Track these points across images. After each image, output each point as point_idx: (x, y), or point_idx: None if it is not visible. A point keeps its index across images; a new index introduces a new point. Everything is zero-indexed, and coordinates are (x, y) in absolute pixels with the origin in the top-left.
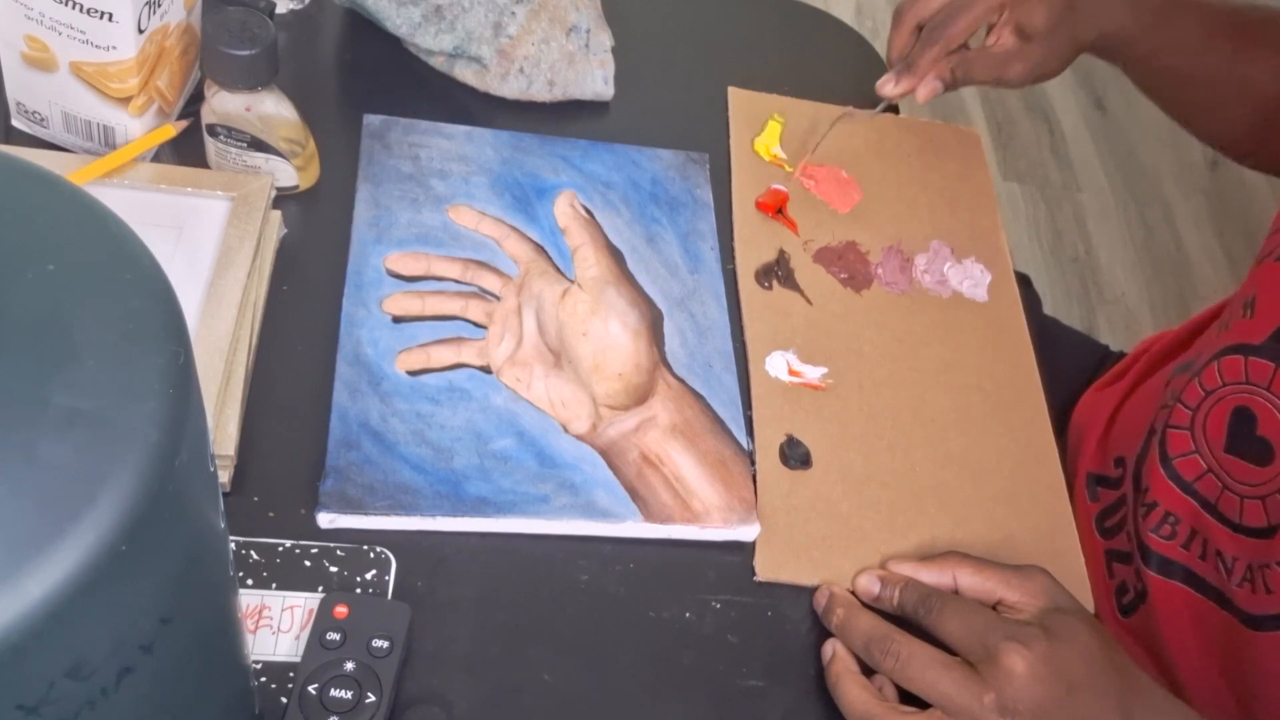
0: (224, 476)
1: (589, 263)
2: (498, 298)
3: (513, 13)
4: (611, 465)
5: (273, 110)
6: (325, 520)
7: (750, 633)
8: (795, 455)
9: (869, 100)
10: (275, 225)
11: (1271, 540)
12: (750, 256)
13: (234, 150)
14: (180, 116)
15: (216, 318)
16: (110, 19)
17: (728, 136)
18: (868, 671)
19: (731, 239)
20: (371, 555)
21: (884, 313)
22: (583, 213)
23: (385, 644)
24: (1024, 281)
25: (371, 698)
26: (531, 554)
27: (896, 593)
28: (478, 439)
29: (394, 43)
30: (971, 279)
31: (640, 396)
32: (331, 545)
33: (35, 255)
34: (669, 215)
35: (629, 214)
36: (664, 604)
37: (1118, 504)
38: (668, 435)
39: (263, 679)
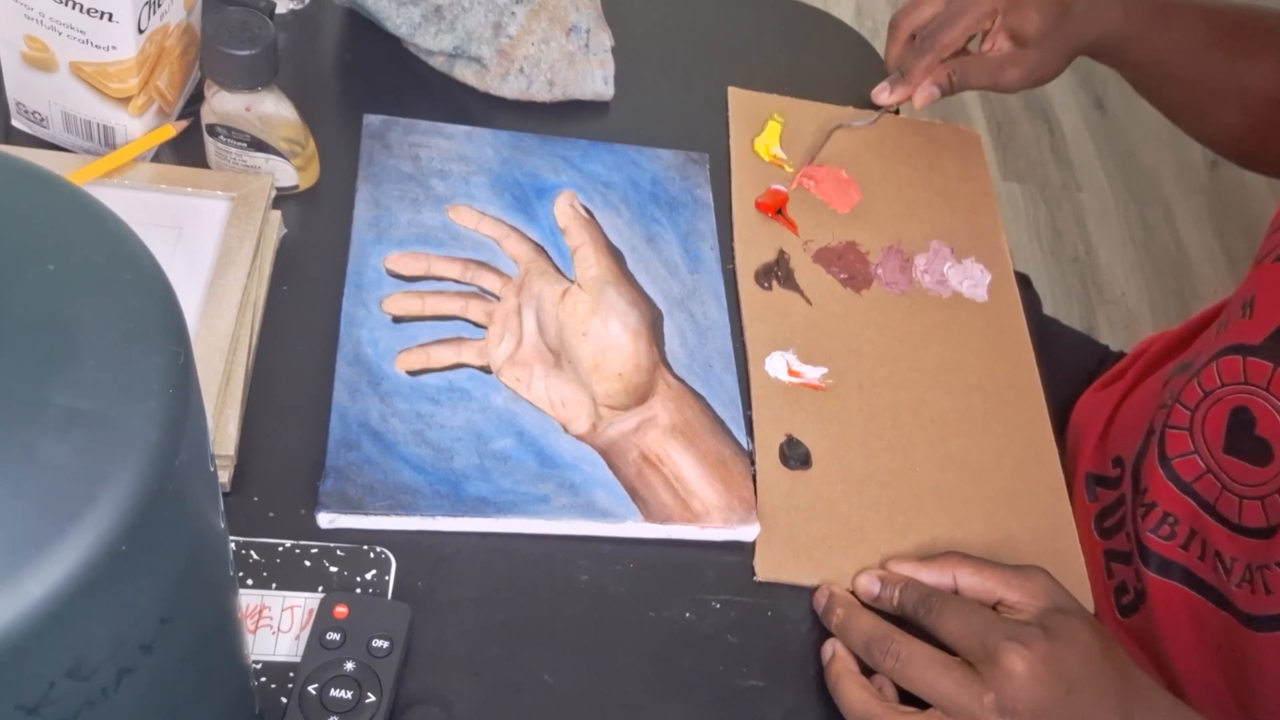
0: (224, 476)
1: (589, 263)
2: (498, 298)
3: (513, 13)
4: (611, 465)
5: (273, 110)
6: (325, 520)
7: (750, 633)
8: (795, 455)
9: (869, 101)
10: (275, 225)
11: (1271, 540)
12: (750, 256)
13: (234, 150)
14: (180, 116)
15: (216, 318)
16: (110, 19)
17: (728, 136)
18: (868, 671)
19: (731, 239)
20: (371, 555)
21: (884, 313)
22: (583, 213)
23: (385, 644)
24: (1024, 281)
25: (371, 698)
26: (531, 554)
27: (896, 593)
28: (478, 439)
29: (394, 43)
30: (971, 279)
31: (640, 396)
32: (331, 545)
33: (35, 255)
34: (669, 215)
35: (629, 214)
36: (664, 604)
37: (1116, 504)
38: (668, 435)
39: (263, 679)
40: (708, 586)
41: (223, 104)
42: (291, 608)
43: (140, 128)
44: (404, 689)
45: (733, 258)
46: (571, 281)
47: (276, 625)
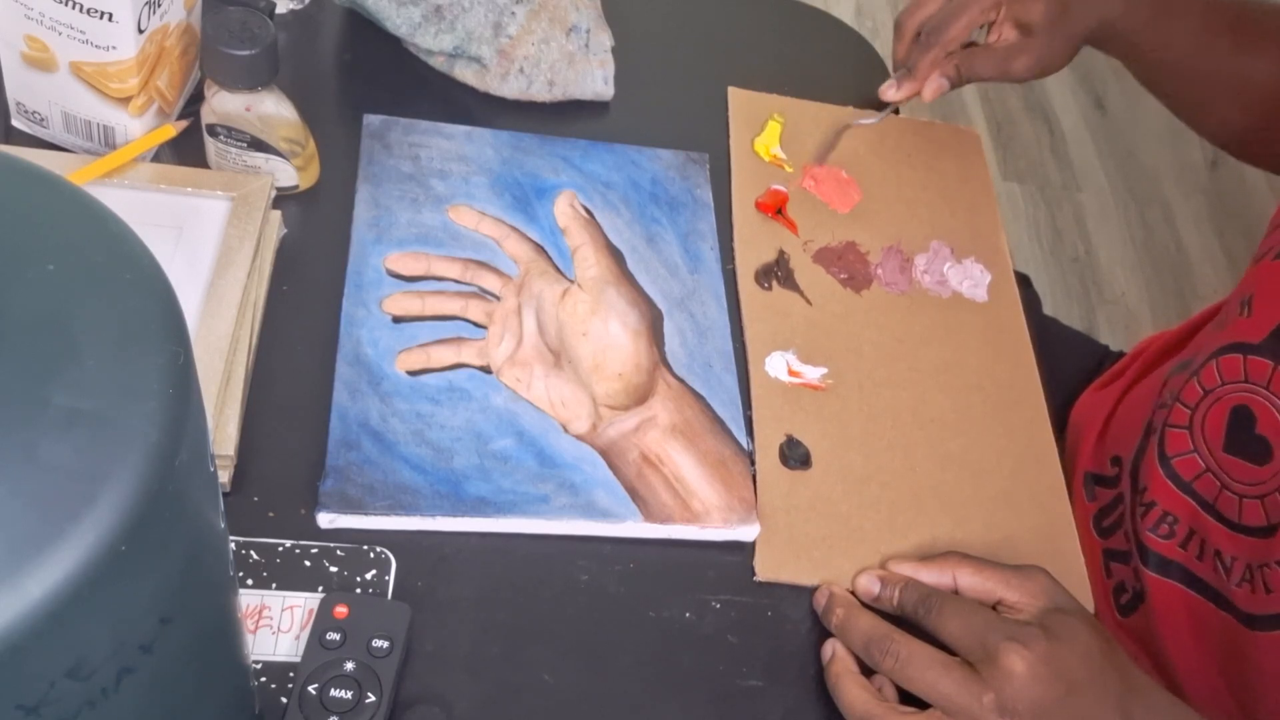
0: (224, 476)
1: (589, 263)
2: (498, 298)
3: (513, 13)
4: (611, 465)
5: (273, 110)
6: (325, 520)
7: (750, 633)
8: (795, 455)
9: (869, 100)
10: (275, 225)
11: (1271, 540)
12: (750, 257)
13: (234, 150)
14: (180, 116)
15: (216, 318)
16: (110, 19)
17: (728, 136)
18: (867, 671)
19: (731, 239)
20: (371, 555)
21: (884, 313)
22: (583, 213)
23: (385, 644)
24: (1024, 281)
25: (371, 698)
26: (531, 554)
27: (896, 593)
28: (478, 439)
29: (394, 43)
30: (971, 279)
31: (640, 396)
32: (331, 545)
33: (35, 255)
34: (669, 215)
35: (629, 214)
36: (664, 604)
37: (1115, 503)
38: (668, 435)
39: (263, 679)
40: (708, 586)
41: (223, 104)
42: (291, 608)
43: (140, 128)
44: (404, 689)
45: (733, 258)
46: (571, 281)
47: (276, 625)
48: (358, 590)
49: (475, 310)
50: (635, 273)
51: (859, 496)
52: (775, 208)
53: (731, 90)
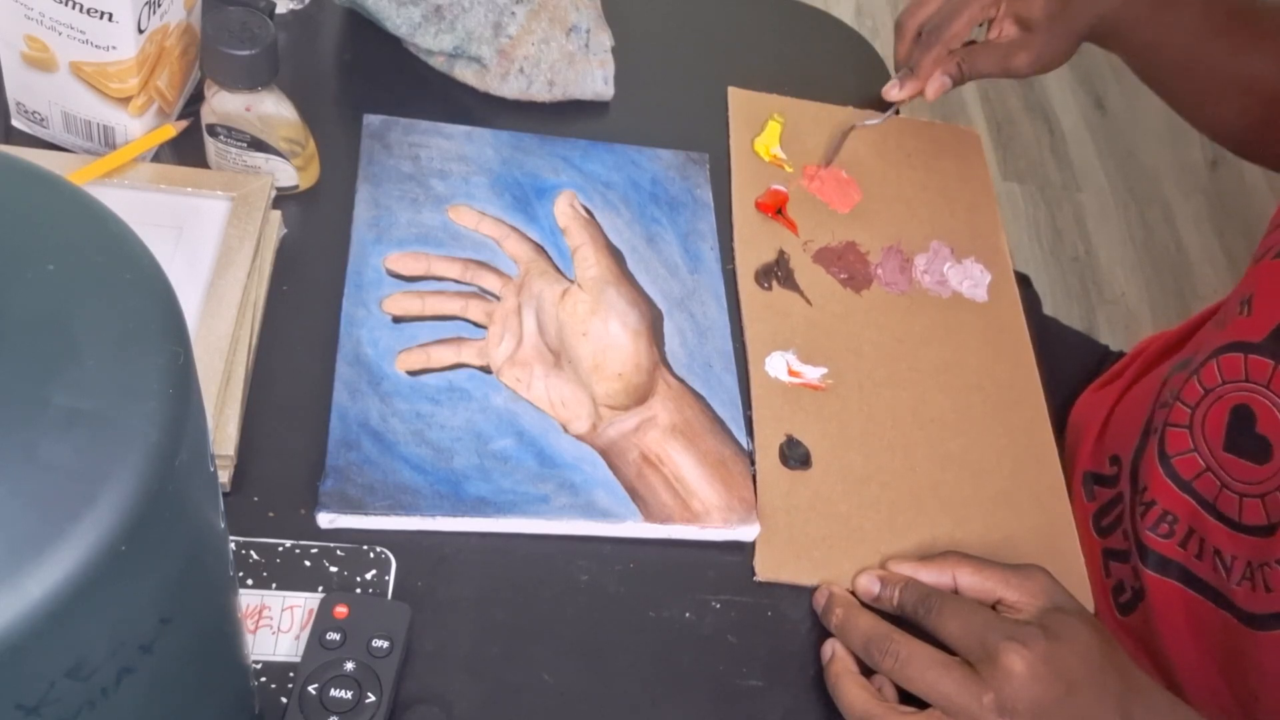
0: (224, 476)
1: (589, 263)
2: (498, 298)
3: (513, 13)
4: (611, 465)
5: (273, 110)
6: (325, 520)
7: (750, 633)
8: (795, 455)
9: (870, 100)
10: (275, 225)
11: (1271, 539)
12: (750, 257)
13: (234, 150)
14: (180, 116)
15: (216, 318)
16: (110, 19)
17: (728, 136)
18: (867, 671)
19: (731, 239)
20: (371, 555)
21: (884, 313)
22: (583, 213)
23: (385, 644)
24: (1024, 281)
25: (371, 698)
26: (531, 554)
27: (896, 593)
28: (478, 439)
29: (394, 43)
30: (971, 279)
31: (640, 396)
32: (331, 545)
33: (35, 255)
34: (669, 215)
35: (629, 214)
36: (664, 604)
37: (1114, 502)
38: (668, 435)
39: (263, 679)
40: (708, 586)
41: (223, 104)
42: (291, 608)
43: (140, 128)
44: (404, 689)
45: (733, 258)
46: (571, 281)
47: (276, 625)
48: (358, 590)
49: (475, 310)
50: (635, 273)
51: (859, 496)
52: (775, 208)
53: (731, 90)
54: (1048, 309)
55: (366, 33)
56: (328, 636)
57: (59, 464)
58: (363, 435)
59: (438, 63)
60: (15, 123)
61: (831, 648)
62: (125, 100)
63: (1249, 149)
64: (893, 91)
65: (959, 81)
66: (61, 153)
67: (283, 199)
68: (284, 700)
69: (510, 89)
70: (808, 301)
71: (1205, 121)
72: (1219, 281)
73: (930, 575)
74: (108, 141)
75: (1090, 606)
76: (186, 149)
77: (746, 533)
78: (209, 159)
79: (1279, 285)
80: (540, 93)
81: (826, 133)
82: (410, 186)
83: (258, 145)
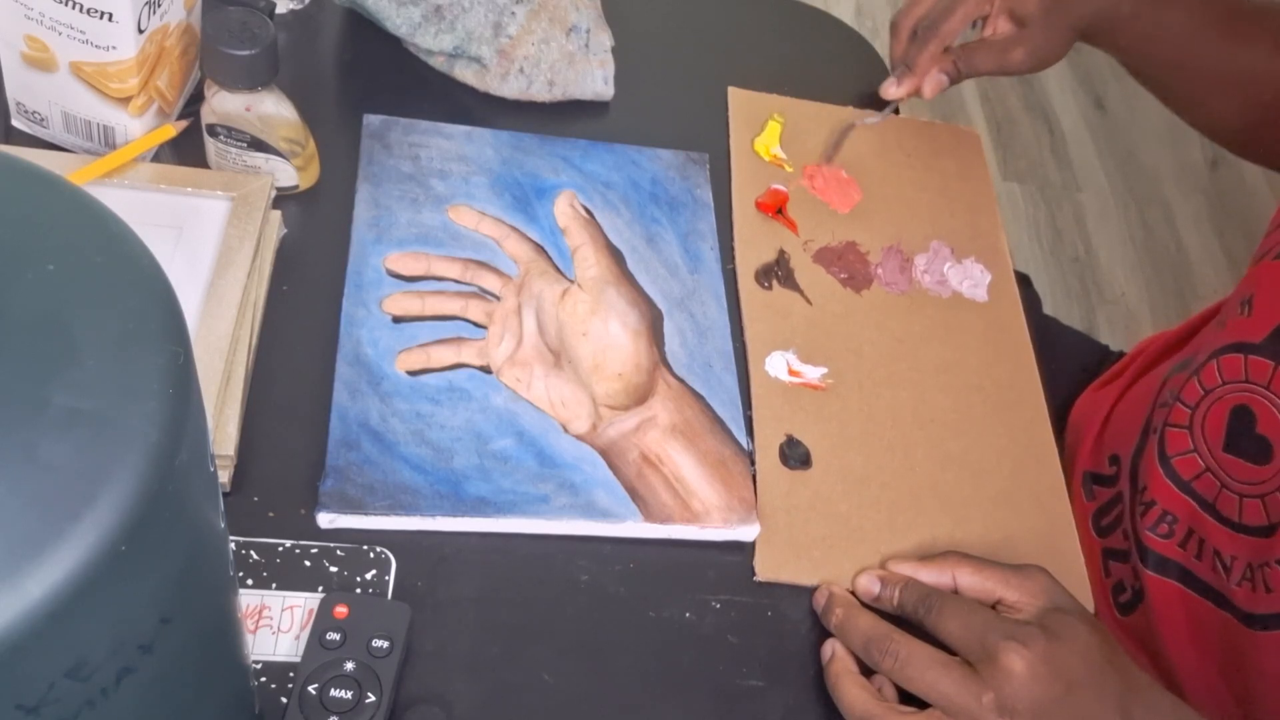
0: (224, 476)
1: (589, 263)
2: (498, 298)
3: (513, 13)
4: (611, 465)
5: (273, 110)
6: (325, 520)
7: (750, 633)
8: (795, 455)
9: (870, 100)
10: (275, 225)
11: (1271, 539)
12: (750, 256)
13: (234, 150)
14: (180, 116)
15: (216, 318)
16: (110, 19)
17: (728, 136)
18: (867, 671)
19: (731, 239)
20: (371, 555)
21: (884, 313)
22: (583, 213)
23: (385, 644)
24: (1024, 281)
25: (371, 698)
26: (531, 554)
27: (896, 593)
28: (478, 439)
29: (394, 43)
30: (971, 279)
31: (640, 396)
32: (331, 545)
33: (35, 255)
34: (669, 215)
35: (629, 214)
36: (664, 604)
37: (1113, 502)
38: (668, 435)
39: (263, 679)
40: (708, 586)
41: (223, 104)
42: (291, 608)
43: (140, 128)
44: (404, 689)
45: (733, 258)
46: (571, 281)
47: (276, 625)
48: (358, 590)
49: (475, 310)
50: (635, 273)
51: (859, 496)
52: (775, 207)
53: (731, 90)
54: (1048, 309)
55: (366, 33)
56: (328, 636)
57: (59, 464)
58: (363, 435)
59: (438, 63)
60: (15, 123)
61: (831, 648)
62: (125, 100)
63: (1246, 148)
64: (890, 89)
65: (955, 79)
66: (61, 153)
67: (283, 199)
68: (284, 700)
69: (510, 89)
70: (808, 301)
71: (1201, 120)
72: (1219, 281)
73: (930, 575)
74: (108, 141)
75: (1090, 606)
76: (186, 149)
77: (746, 533)
78: (209, 159)
79: (1279, 286)
80: (540, 93)
81: (826, 132)
82: (410, 186)
83: (258, 145)
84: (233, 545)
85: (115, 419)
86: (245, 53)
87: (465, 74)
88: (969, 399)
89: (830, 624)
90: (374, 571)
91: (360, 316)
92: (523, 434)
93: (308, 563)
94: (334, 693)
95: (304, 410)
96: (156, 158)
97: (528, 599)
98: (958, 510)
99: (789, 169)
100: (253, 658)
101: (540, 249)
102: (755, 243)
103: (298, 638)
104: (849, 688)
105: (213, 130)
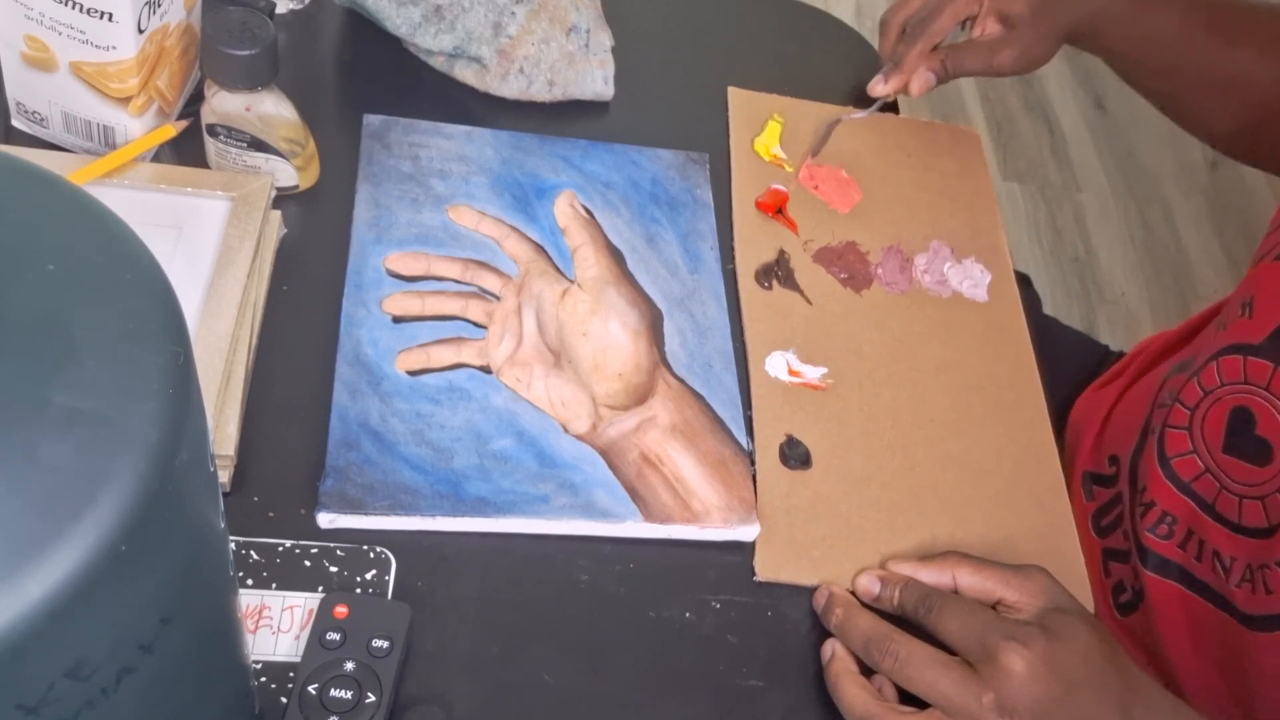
0: (224, 476)
1: (589, 263)
2: (498, 298)
3: (513, 13)
4: (611, 465)
5: (273, 110)
6: (325, 520)
7: (750, 633)
8: (795, 455)
9: (869, 101)
10: (275, 225)
11: (1271, 540)
12: (750, 256)
13: (234, 150)
14: (180, 116)
15: (216, 318)
16: (110, 19)
17: (728, 136)
18: (867, 671)
19: (731, 239)
20: (371, 555)
21: (884, 313)
22: (583, 213)
23: (385, 644)
24: (1024, 281)
25: (371, 698)
26: (531, 554)
27: (896, 593)
28: (478, 439)
29: (394, 43)
30: (971, 279)
31: (640, 396)
32: (331, 545)
33: (35, 255)
34: (669, 215)
35: (629, 214)
36: (664, 604)
37: (1113, 502)
38: (668, 435)
39: (263, 679)
40: (708, 586)
41: (223, 104)
42: (291, 608)
43: (140, 128)
44: (404, 689)
45: (733, 258)
46: (571, 281)
47: (276, 625)
48: (358, 590)
49: (475, 310)
50: (635, 273)
51: (859, 496)
52: (775, 207)
53: (731, 90)
54: (1048, 309)
55: (366, 33)
56: (328, 636)
57: (59, 464)
58: (363, 435)
59: (438, 63)
60: (15, 123)
61: (831, 648)
62: (125, 100)
63: (1239, 151)
64: (878, 87)
65: (943, 79)
66: (61, 153)
67: (283, 199)
68: (284, 700)
69: (510, 89)
70: (808, 301)
71: (1193, 123)
72: (1219, 281)
73: (930, 575)
74: (108, 141)
75: (1090, 606)
76: (186, 149)
77: (746, 533)
78: (209, 159)
79: (1279, 287)
80: (540, 93)
81: (817, 129)
82: (410, 186)
83: (258, 145)
84: (233, 545)
85: (115, 419)
86: (245, 53)
87: (465, 74)
88: (969, 399)
89: (830, 624)
90: (374, 571)
91: (360, 316)
92: (523, 434)
93: (308, 563)
94: (334, 693)
95: (304, 410)
96: (156, 158)
97: (528, 599)
98: (958, 510)
99: (789, 169)
100: (253, 658)
101: (540, 249)
102: (755, 243)
103: (298, 638)
104: (849, 688)
105: (213, 130)
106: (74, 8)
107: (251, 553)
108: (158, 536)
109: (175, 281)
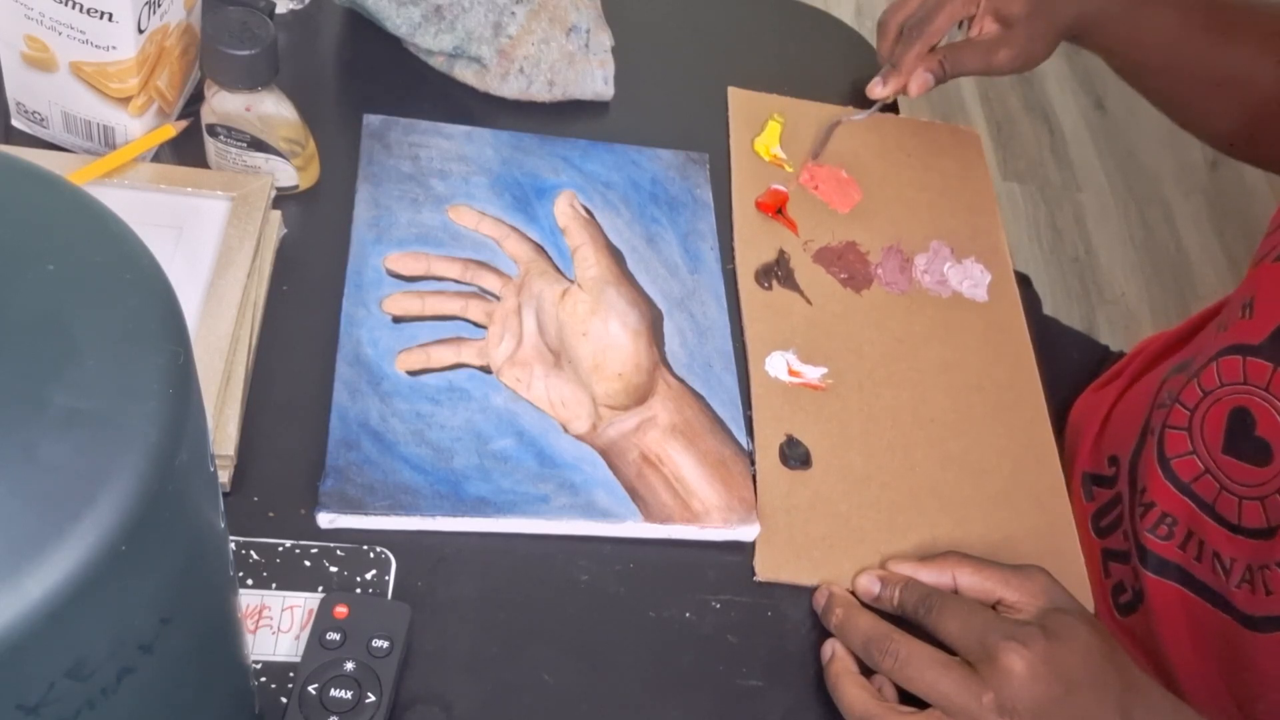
0: (224, 476)
1: (589, 263)
2: (498, 298)
3: (513, 13)
4: (611, 465)
5: (273, 110)
6: (325, 520)
7: (750, 633)
8: (795, 455)
9: (869, 101)
10: (275, 225)
11: (1271, 541)
12: (750, 256)
13: (234, 150)
14: (180, 116)
15: (216, 318)
16: (110, 19)
17: (728, 136)
18: (867, 671)
19: (731, 239)
20: (371, 555)
21: (884, 313)
22: (583, 213)
23: (385, 644)
24: (1024, 281)
25: (371, 698)
26: (531, 554)
27: (896, 593)
28: (478, 439)
29: (394, 43)
30: (971, 279)
31: (640, 396)
32: (331, 545)
33: (35, 255)
34: (669, 215)
35: (629, 214)
36: (664, 604)
37: (1113, 503)
38: (668, 435)
39: (263, 679)
40: (708, 586)
41: (223, 104)
42: (291, 608)
43: (140, 128)
44: (404, 689)
45: (733, 258)
46: (571, 281)
47: (276, 625)
48: (358, 590)
49: (475, 310)
50: (635, 273)
51: (859, 496)
52: (775, 207)
53: (731, 90)
54: (1048, 309)
55: (366, 33)
56: (328, 636)
57: (59, 464)
58: (363, 435)
59: (438, 63)
60: (15, 123)
61: (831, 648)
62: (125, 100)
63: (1238, 149)
64: (876, 89)
65: (942, 79)
66: (61, 153)
67: (283, 199)
68: (284, 700)
69: (510, 89)
70: (808, 301)
71: (1192, 122)
72: (1219, 281)
73: (930, 575)
74: (108, 141)
75: (1090, 607)
76: (186, 149)
77: (746, 533)
78: (209, 159)
79: (1279, 288)
80: (540, 93)
81: (818, 130)
82: (410, 186)
83: (258, 145)
84: (233, 545)
85: (115, 419)
86: (245, 53)
87: (465, 74)
88: (969, 399)
89: (830, 624)
90: (374, 571)
91: (360, 316)
92: (523, 434)
93: (308, 563)
94: (334, 693)
95: (304, 410)
96: (156, 158)
97: (528, 599)
98: (958, 510)
99: (789, 169)
100: (253, 658)
101: (540, 249)
102: (755, 243)
103: (298, 638)
104: (849, 688)
105: (213, 130)
106: (74, 8)
107: (251, 553)
108: (158, 536)
109: (175, 281)
